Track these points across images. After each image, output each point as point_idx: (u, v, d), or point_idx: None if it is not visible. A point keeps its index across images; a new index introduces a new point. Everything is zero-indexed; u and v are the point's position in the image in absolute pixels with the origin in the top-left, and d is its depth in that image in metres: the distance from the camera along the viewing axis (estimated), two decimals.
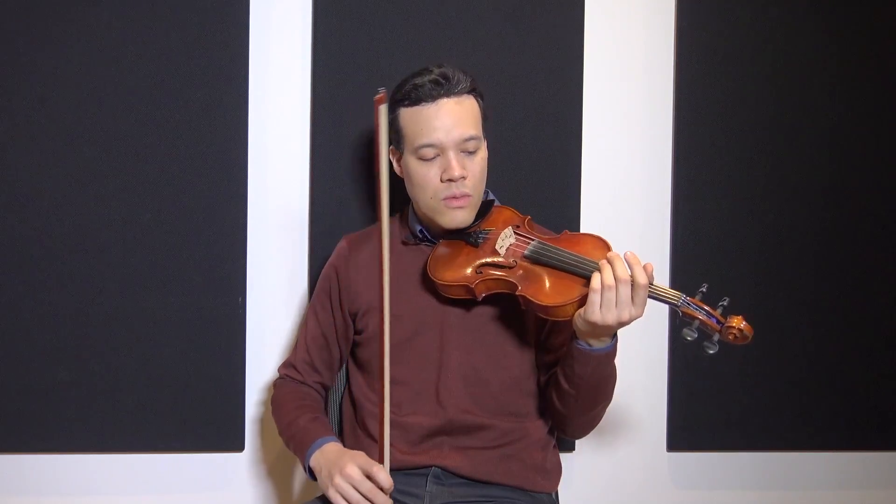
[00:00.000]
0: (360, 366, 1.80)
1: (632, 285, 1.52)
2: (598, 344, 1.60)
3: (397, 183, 1.78)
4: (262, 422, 2.11)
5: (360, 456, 1.60)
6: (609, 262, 1.53)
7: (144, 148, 2.00)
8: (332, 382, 1.89)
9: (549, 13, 2.13)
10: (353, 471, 1.56)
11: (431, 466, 1.69)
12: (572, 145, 2.14)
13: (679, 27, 2.20)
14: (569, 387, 1.65)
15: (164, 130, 2.00)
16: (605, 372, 1.65)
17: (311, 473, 1.67)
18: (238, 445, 2.07)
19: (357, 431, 1.77)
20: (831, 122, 2.23)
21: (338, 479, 1.57)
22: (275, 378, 1.91)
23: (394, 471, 1.69)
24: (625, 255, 1.55)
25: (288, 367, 1.86)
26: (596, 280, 1.52)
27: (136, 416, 2.01)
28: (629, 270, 1.53)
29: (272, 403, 1.88)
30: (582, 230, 2.15)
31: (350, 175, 2.06)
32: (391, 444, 1.68)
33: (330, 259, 1.86)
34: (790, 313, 2.22)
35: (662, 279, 2.21)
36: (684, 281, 2.18)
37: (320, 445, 1.66)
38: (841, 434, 2.26)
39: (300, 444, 1.71)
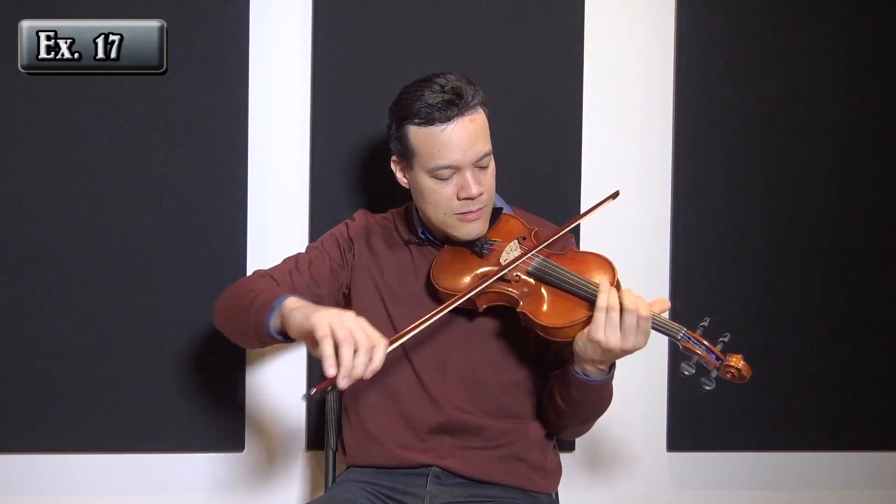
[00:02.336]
0: None
1: (636, 315, 1.51)
2: (595, 374, 1.59)
3: (394, 184, 1.78)
4: (263, 422, 2.11)
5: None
6: (619, 293, 1.53)
7: (144, 148, 2.00)
8: None
9: (549, 13, 2.13)
10: (363, 323, 1.38)
11: (432, 466, 1.69)
12: (572, 145, 2.14)
13: (679, 27, 2.20)
14: (565, 406, 1.66)
15: (163, 130, 2.00)
16: (601, 395, 1.65)
17: (276, 332, 1.50)
18: (238, 445, 2.07)
19: (358, 433, 1.77)
20: (832, 122, 2.23)
21: (336, 314, 1.38)
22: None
23: (395, 469, 1.70)
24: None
25: (271, 271, 1.75)
26: (602, 299, 1.52)
27: (136, 416, 2.01)
28: (636, 302, 1.51)
29: (234, 286, 1.70)
30: (582, 231, 2.15)
31: (350, 175, 2.06)
32: (392, 440, 1.69)
33: (347, 222, 1.84)
34: (791, 314, 2.22)
35: (662, 282, 2.21)
36: (684, 282, 2.19)
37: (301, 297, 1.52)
38: (841, 434, 2.25)
39: (273, 295, 1.54)
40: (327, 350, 1.34)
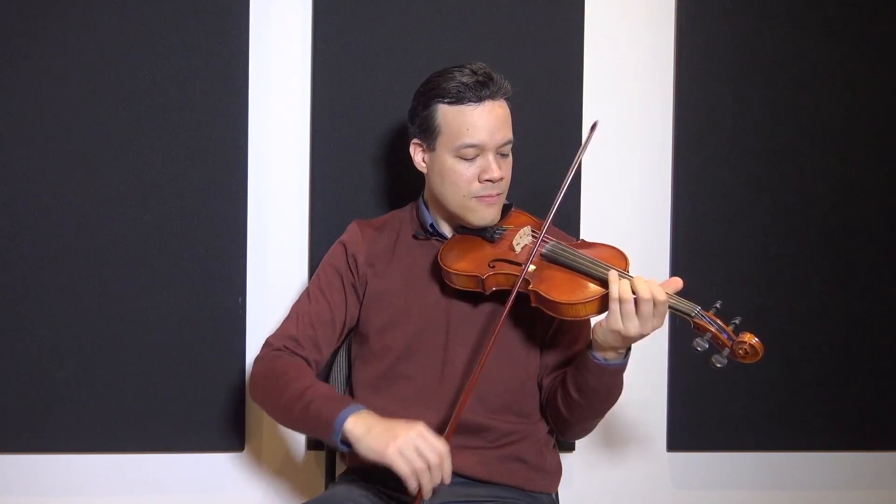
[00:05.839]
0: (367, 362, 1.78)
1: (653, 302, 1.53)
2: (614, 358, 1.61)
3: (411, 176, 1.78)
4: (262, 422, 2.11)
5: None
6: (631, 281, 1.55)
7: (144, 148, 2.00)
8: (320, 368, 1.77)
9: (549, 13, 2.13)
10: (426, 434, 1.47)
11: None
12: (572, 145, 2.14)
13: (679, 27, 2.20)
14: (578, 396, 1.67)
15: (164, 130, 2.00)
16: (616, 383, 1.67)
17: (342, 439, 1.53)
18: (238, 445, 2.07)
19: None
20: (832, 121, 2.23)
21: (403, 440, 1.46)
22: (263, 351, 1.75)
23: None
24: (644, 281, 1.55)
25: (286, 339, 1.73)
26: (614, 290, 1.54)
27: (136, 416, 2.01)
28: (650, 290, 1.53)
29: (265, 372, 1.70)
30: (582, 228, 2.16)
31: (350, 175, 2.06)
32: None
33: (341, 239, 1.83)
34: (790, 314, 2.22)
35: (662, 279, 2.20)
36: (684, 280, 2.18)
37: (361, 410, 1.54)
38: (841, 434, 2.26)
39: (332, 403, 1.56)
40: (414, 487, 1.46)
